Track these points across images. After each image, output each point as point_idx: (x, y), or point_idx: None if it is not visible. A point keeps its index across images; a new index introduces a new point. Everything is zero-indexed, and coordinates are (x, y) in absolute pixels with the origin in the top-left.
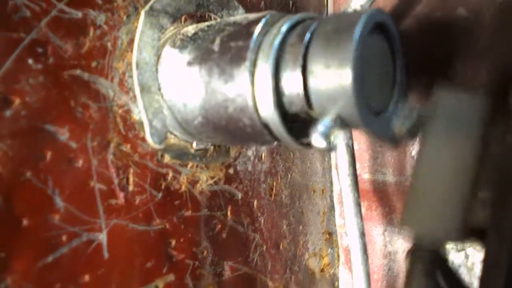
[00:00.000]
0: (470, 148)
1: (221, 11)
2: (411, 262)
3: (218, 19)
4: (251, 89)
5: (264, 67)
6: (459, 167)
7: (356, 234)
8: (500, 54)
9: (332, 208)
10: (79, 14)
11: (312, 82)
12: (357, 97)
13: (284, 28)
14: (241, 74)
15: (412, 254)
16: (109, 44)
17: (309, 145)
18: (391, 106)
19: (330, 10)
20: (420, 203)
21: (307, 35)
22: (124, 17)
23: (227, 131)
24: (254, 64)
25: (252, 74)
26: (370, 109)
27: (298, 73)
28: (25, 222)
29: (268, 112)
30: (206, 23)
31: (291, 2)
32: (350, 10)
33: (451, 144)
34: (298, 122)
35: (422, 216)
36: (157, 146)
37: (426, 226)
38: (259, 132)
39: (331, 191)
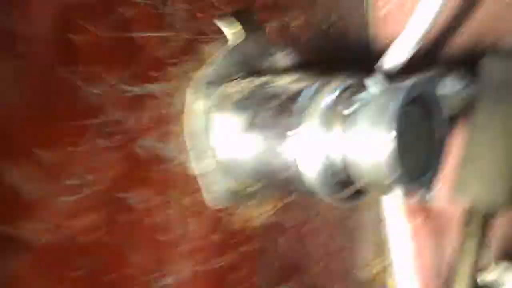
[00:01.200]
0: None
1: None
2: (466, 223)
3: (263, 78)
4: (296, 163)
5: (309, 142)
6: (510, 133)
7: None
8: None
9: (382, 219)
10: (138, 90)
11: (351, 156)
12: (397, 174)
13: (326, 102)
14: (287, 150)
15: (468, 217)
16: (165, 112)
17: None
18: (430, 171)
19: (372, 32)
20: (474, 171)
21: (352, 109)
22: (176, 85)
23: (280, 191)
24: (299, 139)
25: (297, 149)
26: (409, 180)
27: (340, 145)
28: (104, 278)
29: (315, 183)
30: (249, 88)
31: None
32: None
33: (502, 111)
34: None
35: (476, 183)
36: (218, 208)
37: (482, 193)
38: (307, 195)
39: (380, 202)
